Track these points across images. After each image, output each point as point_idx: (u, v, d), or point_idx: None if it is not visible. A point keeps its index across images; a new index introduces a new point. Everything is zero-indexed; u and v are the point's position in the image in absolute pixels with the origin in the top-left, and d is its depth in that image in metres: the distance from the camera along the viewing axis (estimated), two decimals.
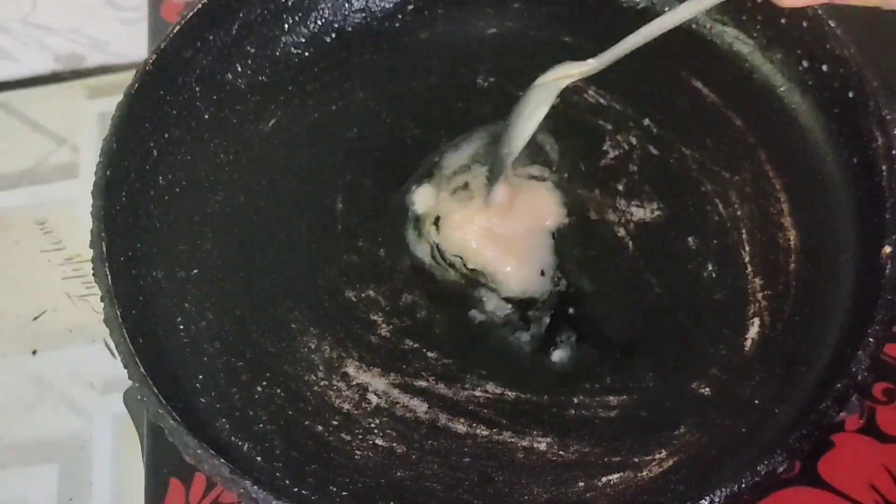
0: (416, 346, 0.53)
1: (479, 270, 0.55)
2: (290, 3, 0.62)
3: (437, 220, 0.57)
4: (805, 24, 0.56)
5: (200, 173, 0.58)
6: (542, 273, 0.55)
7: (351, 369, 0.52)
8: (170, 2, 0.76)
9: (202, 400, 0.50)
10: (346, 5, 0.64)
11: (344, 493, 0.48)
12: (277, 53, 0.63)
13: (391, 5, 0.65)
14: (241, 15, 0.61)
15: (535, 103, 0.52)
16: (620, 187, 0.57)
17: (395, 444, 0.49)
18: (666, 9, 0.63)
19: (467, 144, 0.60)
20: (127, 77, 0.55)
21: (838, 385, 0.43)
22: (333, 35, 0.64)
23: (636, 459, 0.48)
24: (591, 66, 0.50)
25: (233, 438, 0.49)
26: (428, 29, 0.64)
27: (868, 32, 0.53)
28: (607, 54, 0.49)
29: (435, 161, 0.59)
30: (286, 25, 0.63)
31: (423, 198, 0.58)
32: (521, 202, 0.57)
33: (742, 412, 0.49)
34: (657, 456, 0.48)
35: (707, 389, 0.50)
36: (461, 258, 0.55)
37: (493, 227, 0.56)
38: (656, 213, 0.56)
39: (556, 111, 0.60)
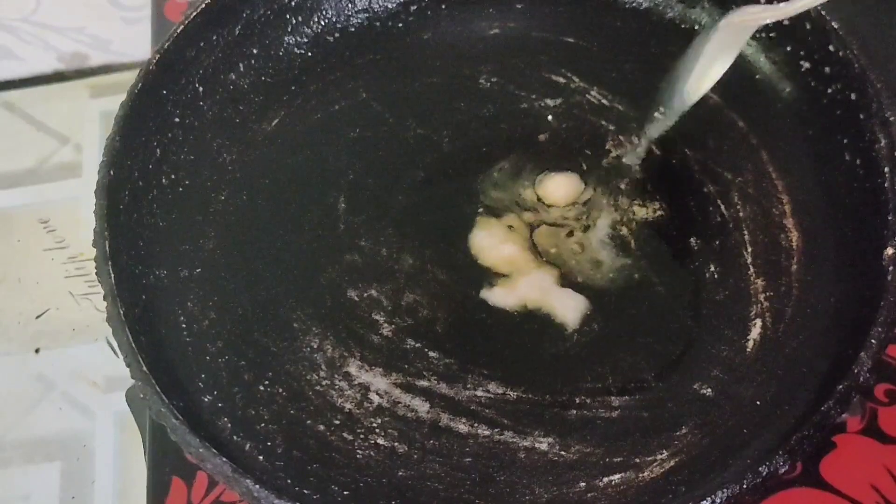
0: (417, 345, 0.53)
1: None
2: (293, 4, 0.62)
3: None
4: (808, 26, 0.55)
5: (203, 173, 0.58)
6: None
7: (353, 369, 0.52)
8: (173, 1, 0.76)
9: (204, 399, 0.50)
10: (349, 6, 0.64)
11: (345, 493, 0.48)
12: (280, 53, 0.63)
13: (394, 6, 0.65)
14: (244, 15, 0.61)
15: (723, 46, 0.48)
16: (622, 186, 0.57)
17: (396, 444, 0.49)
18: (668, 11, 0.63)
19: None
20: (130, 76, 0.55)
21: (840, 386, 0.43)
22: (336, 35, 0.64)
23: (638, 460, 0.48)
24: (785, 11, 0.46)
25: (235, 437, 0.49)
26: (430, 29, 0.65)
27: (871, 34, 0.53)
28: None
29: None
30: (289, 26, 0.63)
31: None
32: None
33: (744, 413, 0.49)
34: (659, 456, 0.48)
35: (709, 390, 0.50)
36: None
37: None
38: (658, 212, 0.56)
39: (558, 111, 0.60)
